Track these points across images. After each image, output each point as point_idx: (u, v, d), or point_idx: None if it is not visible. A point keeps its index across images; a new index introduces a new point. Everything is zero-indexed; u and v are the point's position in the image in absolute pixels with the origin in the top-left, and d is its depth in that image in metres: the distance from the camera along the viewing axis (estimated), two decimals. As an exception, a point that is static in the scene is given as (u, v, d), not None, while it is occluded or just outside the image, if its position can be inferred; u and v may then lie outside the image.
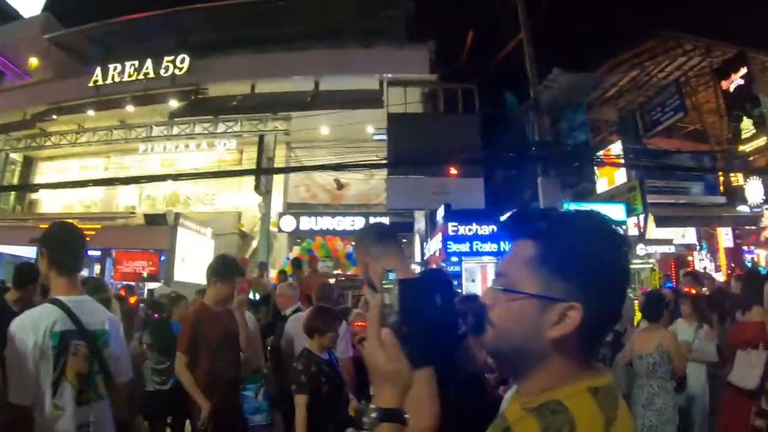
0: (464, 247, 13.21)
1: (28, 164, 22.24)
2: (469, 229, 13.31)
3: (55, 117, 18.39)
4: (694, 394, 5.54)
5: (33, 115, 18.65)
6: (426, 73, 15.90)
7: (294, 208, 17.68)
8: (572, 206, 15.42)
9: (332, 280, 10.83)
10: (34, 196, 22.30)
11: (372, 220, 16.39)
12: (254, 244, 17.56)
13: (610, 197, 17.24)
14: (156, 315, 5.99)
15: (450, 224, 13.15)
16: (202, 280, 14.49)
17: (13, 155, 21.67)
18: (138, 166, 18.46)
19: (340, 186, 17.89)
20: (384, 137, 15.56)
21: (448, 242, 13.01)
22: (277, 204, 17.52)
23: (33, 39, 19.85)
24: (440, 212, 13.94)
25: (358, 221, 16.39)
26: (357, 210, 17.36)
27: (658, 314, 4.99)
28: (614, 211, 16.23)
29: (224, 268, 3.95)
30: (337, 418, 3.42)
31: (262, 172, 14.79)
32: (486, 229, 13.44)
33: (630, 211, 16.20)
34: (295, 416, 3.44)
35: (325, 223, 16.54)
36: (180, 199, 19.43)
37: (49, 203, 21.68)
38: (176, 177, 14.97)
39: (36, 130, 19.68)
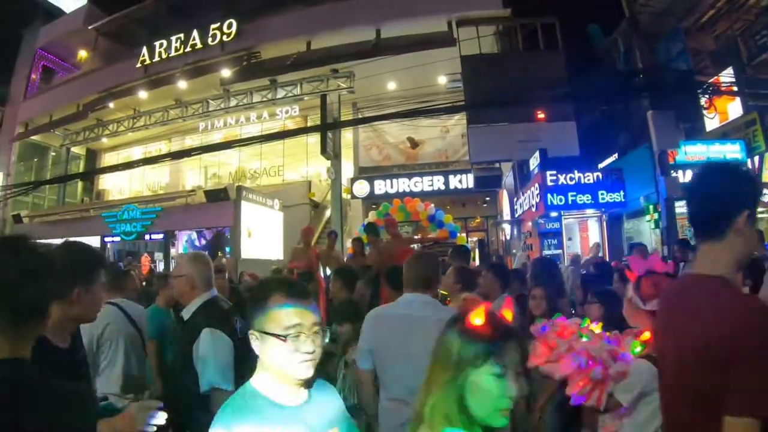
0: (565, 199, 10.96)
1: (92, 157, 21.85)
2: (570, 178, 11.08)
3: (110, 105, 17.56)
4: None
5: (85, 105, 17.73)
6: (499, 8, 13.55)
7: (366, 172, 15.87)
8: (688, 146, 12.78)
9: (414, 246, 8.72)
10: (100, 186, 21.83)
11: (452, 178, 14.38)
12: (327, 213, 16.01)
13: (723, 134, 14.48)
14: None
15: (548, 173, 10.92)
16: (271, 255, 13.06)
17: (75, 149, 21.20)
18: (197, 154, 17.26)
19: (415, 144, 15.93)
20: (459, 85, 13.44)
21: (548, 194, 10.79)
22: (348, 170, 15.82)
23: (78, 32, 19.41)
24: (533, 161, 11.79)
25: (437, 181, 14.40)
26: (435, 169, 15.31)
27: None
28: (730, 151, 13.63)
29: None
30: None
31: (328, 127, 13.04)
32: (590, 177, 11.20)
33: (750, 150, 13.43)
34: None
35: (402, 185, 14.71)
36: (247, 174, 18.22)
37: (116, 192, 21.07)
38: (231, 144, 13.43)
39: (92, 121, 18.98)
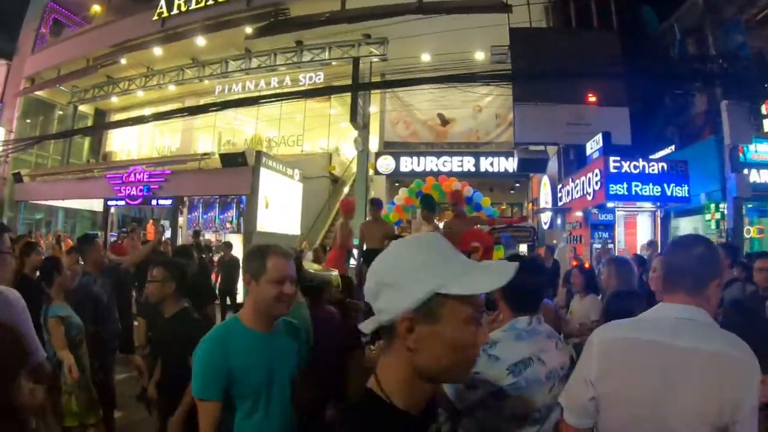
0: (624, 189, 9.24)
1: (100, 117, 19.76)
2: (635, 167, 9.33)
3: (122, 61, 15.54)
4: None
5: (95, 59, 15.67)
6: (551, -22, 11.73)
7: (391, 148, 13.91)
8: (760, 145, 10.93)
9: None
10: (107, 148, 19.83)
11: (483, 160, 12.53)
12: (345, 189, 14.16)
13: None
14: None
15: (612, 159, 9.16)
16: (290, 229, 11.13)
17: (82, 108, 19.14)
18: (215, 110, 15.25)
19: (445, 122, 14.06)
20: (501, 58, 11.56)
21: (610, 182, 9.05)
22: (372, 145, 13.91)
23: (93, -15, 17.18)
24: (593, 144, 10.03)
25: (468, 162, 12.58)
26: (465, 149, 13.44)
27: None
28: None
29: None
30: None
31: (359, 87, 11.12)
32: (655, 168, 9.47)
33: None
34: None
35: (429, 164, 12.99)
36: (263, 142, 16.20)
37: (124, 155, 19.05)
38: (256, 100, 11.52)
39: (102, 78, 16.93)
